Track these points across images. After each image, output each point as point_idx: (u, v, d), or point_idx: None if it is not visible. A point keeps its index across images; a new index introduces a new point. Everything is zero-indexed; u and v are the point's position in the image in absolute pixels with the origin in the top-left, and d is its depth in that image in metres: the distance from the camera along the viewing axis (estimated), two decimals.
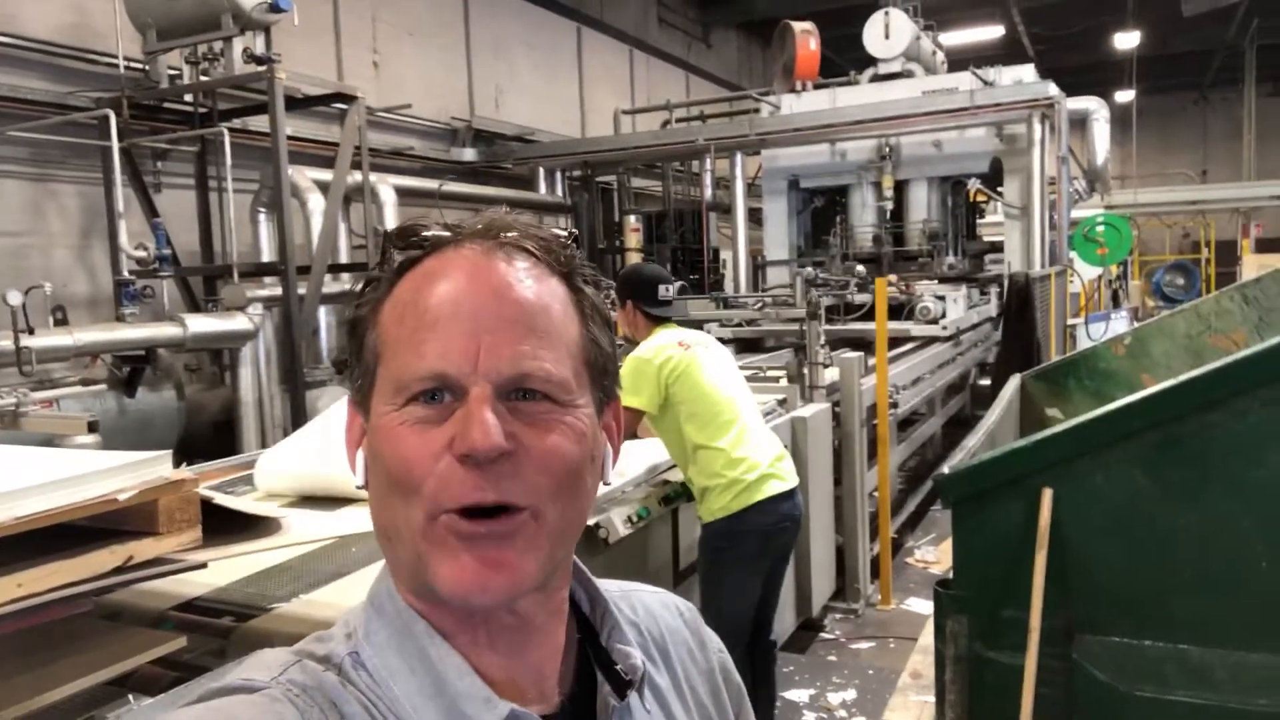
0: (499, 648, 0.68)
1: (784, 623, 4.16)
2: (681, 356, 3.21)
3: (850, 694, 4.16)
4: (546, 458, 0.64)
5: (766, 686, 3.49)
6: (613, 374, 0.73)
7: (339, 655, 0.67)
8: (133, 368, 5.63)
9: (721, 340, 6.59)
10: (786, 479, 3.28)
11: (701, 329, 4.54)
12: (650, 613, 0.82)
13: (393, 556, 0.68)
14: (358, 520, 2.68)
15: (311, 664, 0.66)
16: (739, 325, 7.83)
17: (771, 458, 3.27)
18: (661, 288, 3.34)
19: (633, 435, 3.47)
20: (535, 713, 0.66)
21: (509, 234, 0.69)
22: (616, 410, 0.75)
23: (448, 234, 0.69)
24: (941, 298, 7.91)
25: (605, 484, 0.72)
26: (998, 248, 10.22)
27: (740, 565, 3.20)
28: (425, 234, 0.69)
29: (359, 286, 0.73)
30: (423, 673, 0.66)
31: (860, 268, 8.08)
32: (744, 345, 7.79)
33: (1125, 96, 19.49)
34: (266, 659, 0.67)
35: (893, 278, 8.25)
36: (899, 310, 7.99)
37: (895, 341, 7.44)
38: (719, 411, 3.20)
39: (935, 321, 7.72)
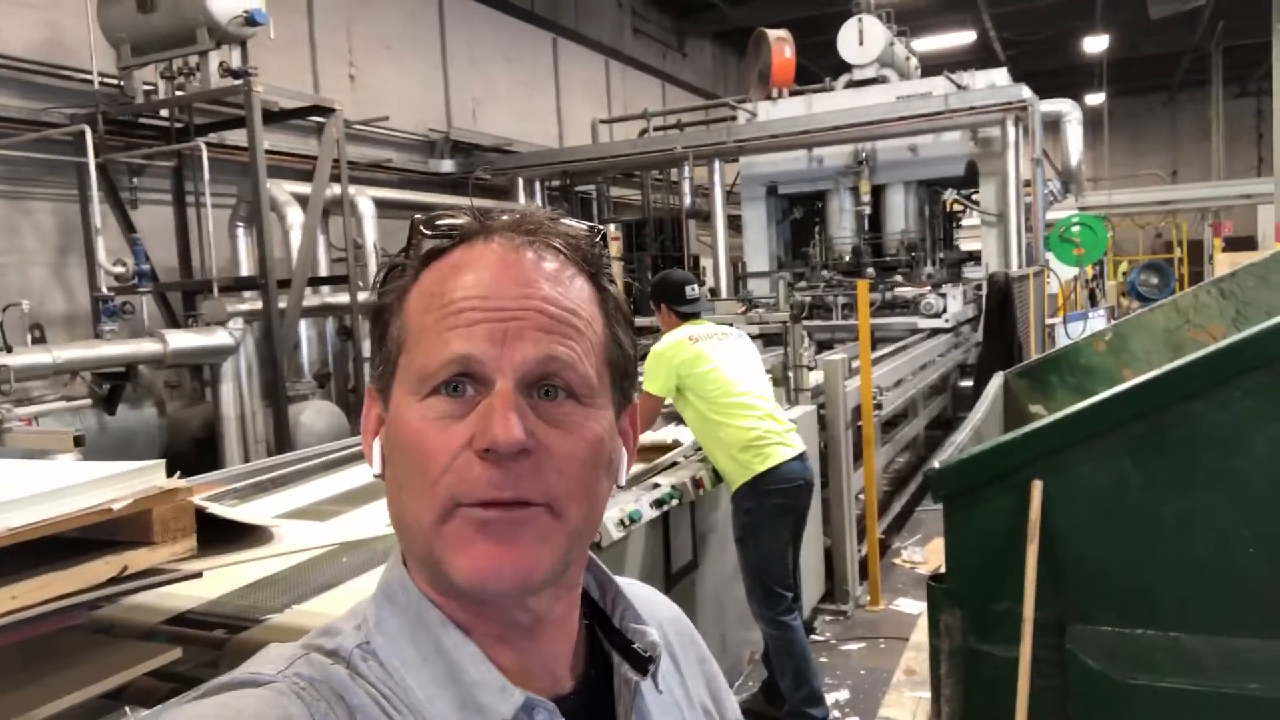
0: (513, 640, 0.68)
1: None
2: (689, 347, 3.68)
3: (843, 694, 4.17)
4: (565, 460, 0.64)
5: None
6: (632, 376, 0.73)
7: (347, 648, 0.66)
8: (113, 385, 5.59)
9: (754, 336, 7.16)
10: (795, 446, 3.72)
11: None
12: (647, 603, 0.83)
13: (408, 547, 0.67)
14: (349, 529, 2.67)
15: (319, 657, 0.65)
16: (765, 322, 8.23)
17: (781, 429, 3.72)
18: (688, 289, 3.85)
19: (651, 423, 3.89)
20: (548, 698, 0.66)
21: (539, 229, 0.69)
22: (633, 413, 0.74)
23: (477, 225, 0.69)
24: (943, 295, 8.71)
25: (619, 486, 0.72)
26: (975, 256, 10.32)
27: (769, 522, 3.64)
28: (455, 224, 0.69)
29: (381, 273, 0.72)
30: (436, 661, 0.65)
31: (870, 270, 9.28)
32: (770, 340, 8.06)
33: (1096, 99, 19.74)
34: (273, 653, 0.66)
35: (898, 278, 9.35)
36: (903, 306, 9.01)
37: (898, 337, 8.41)
38: (728, 392, 3.64)
39: (938, 315, 8.55)
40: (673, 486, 3.39)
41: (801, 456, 3.73)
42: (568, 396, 0.65)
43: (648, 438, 4.06)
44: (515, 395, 0.62)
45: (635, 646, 0.73)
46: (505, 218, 0.69)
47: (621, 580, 0.83)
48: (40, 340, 5.36)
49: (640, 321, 9.57)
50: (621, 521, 2.93)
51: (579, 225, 0.72)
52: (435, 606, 0.67)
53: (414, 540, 0.65)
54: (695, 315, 3.84)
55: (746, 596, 3.69)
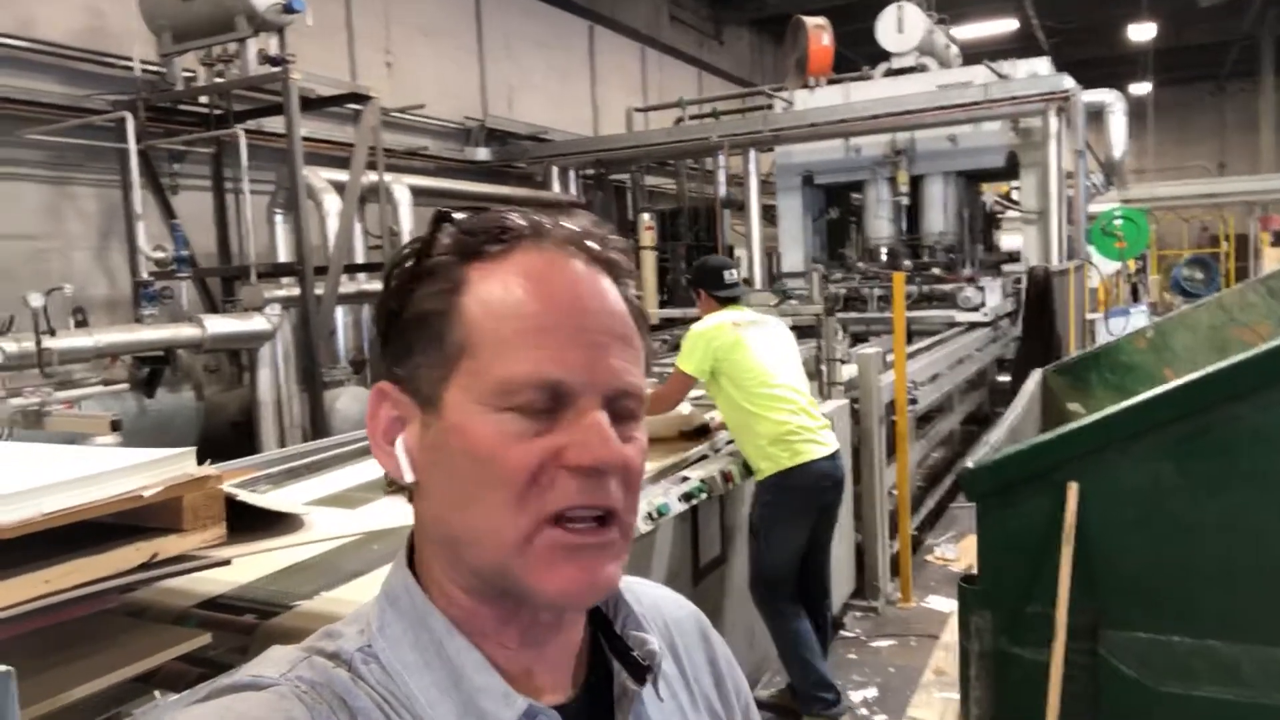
0: (525, 643, 0.68)
1: None
2: (730, 332, 3.66)
3: (872, 692, 4.14)
4: (630, 470, 0.66)
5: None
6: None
7: (348, 651, 0.66)
8: (152, 369, 5.67)
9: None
10: (828, 444, 3.70)
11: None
12: (656, 606, 0.82)
13: (454, 556, 0.67)
14: (379, 517, 2.68)
15: (321, 660, 0.66)
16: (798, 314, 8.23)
17: (815, 425, 3.69)
18: (726, 273, 3.88)
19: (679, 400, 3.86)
20: (550, 703, 0.67)
21: (599, 242, 0.69)
22: None
23: (529, 228, 0.67)
24: (981, 288, 8.56)
25: None
26: (1014, 257, 10.14)
27: (787, 518, 3.62)
28: (506, 226, 0.67)
29: (394, 267, 0.70)
30: (439, 666, 0.66)
31: (907, 263, 9.22)
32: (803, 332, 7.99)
33: (1141, 89, 19.33)
34: (275, 655, 0.67)
35: (937, 270, 9.18)
36: (940, 299, 8.81)
37: (935, 330, 8.16)
38: (764, 382, 3.62)
39: (977, 309, 8.39)
40: (702, 480, 3.38)
41: (833, 455, 3.71)
42: (630, 413, 0.67)
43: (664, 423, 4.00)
44: (605, 415, 0.64)
45: (634, 655, 0.73)
46: (553, 224, 0.68)
47: (634, 580, 0.83)
48: (82, 324, 5.45)
49: (671, 313, 9.57)
50: (649, 515, 2.92)
51: (617, 236, 0.73)
52: (440, 612, 0.67)
53: (474, 551, 0.65)
54: (734, 300, 3.87)
55: (749, 585, 3.70)
